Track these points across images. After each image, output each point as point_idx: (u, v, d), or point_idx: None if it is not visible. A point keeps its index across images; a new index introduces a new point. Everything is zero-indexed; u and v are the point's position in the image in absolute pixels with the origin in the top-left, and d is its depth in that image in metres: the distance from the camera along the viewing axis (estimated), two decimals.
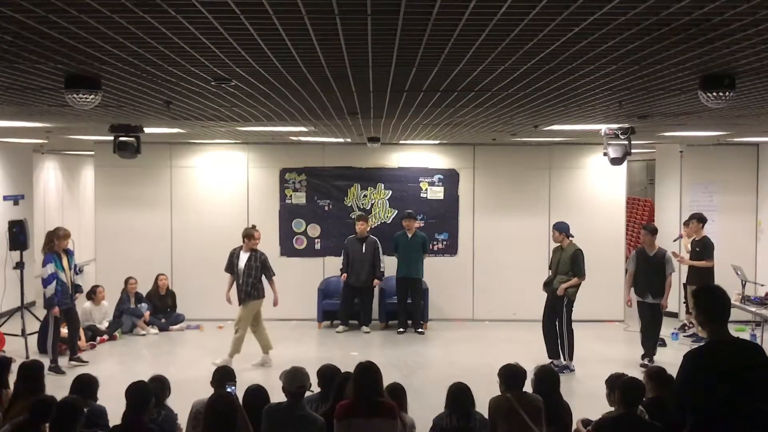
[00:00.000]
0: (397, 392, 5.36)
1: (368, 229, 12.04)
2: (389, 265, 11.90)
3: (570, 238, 9.62)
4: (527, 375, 5.41)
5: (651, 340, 9.73)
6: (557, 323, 9.48)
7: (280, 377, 5.15)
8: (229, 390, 5.29)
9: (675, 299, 11.98)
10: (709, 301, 3.92)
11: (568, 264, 9.43)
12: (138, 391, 4.95)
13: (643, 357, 9.63)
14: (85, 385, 5.51)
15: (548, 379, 5.54)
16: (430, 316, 12.04)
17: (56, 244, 9.24)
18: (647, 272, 9.68)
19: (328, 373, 5.68)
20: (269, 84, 5.11)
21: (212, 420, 4.54)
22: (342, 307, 11.83)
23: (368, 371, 4.89)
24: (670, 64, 4.16)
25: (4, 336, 9.95)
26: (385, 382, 5.13)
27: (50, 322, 9.23)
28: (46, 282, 9.12)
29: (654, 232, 9.91)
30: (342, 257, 11.84)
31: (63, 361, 9.32)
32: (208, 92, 5.55)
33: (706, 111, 6.58)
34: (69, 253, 9.44)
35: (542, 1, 2.79)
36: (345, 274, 11.70)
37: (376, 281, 11.76)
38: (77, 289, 9.59)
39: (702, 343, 4.11)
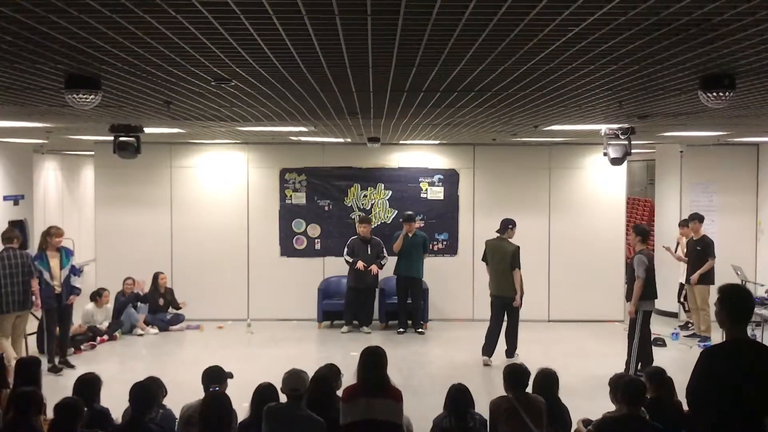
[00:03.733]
0: None
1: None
2: (389, 264, 11.90)
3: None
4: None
5: (632, 351, 8.70)
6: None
7: None
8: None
9: (673, 299, 11.97)
10: (734, 301, 3.89)
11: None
12: (143, 390, 4.93)
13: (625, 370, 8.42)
14: (88, 386, 5.43)
15: (546, 379, 5.54)
16: (430, 316, 12.05)
17: (48, 242, 9.19)
18: (628, 276, 9.19)
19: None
20: (269, 84, 5.11)
21: (208, 420, 4.56)
22: (346, 308, 11.81)
23: (373, 354, 5.03)
24: (670, 64, 4.16)
25: None
26: None
27: (44, 323, 9.21)
28: None
29: (639, 232, 8.87)
30: (346, 251, 11.75)
31: None
32: (208, 92, 5.55)
33: (706, 111, 6.58)
34: (68, 254, 9.38)
35: (542, 1, 2.79)
36: (360, 262, 11.55)
37: (374, 267, 11.62)
38: (72, 290, 9.34)
39: (719, 342, 4.05)
